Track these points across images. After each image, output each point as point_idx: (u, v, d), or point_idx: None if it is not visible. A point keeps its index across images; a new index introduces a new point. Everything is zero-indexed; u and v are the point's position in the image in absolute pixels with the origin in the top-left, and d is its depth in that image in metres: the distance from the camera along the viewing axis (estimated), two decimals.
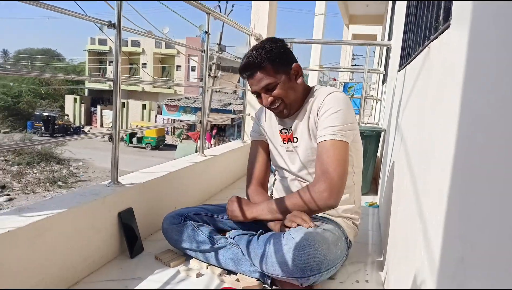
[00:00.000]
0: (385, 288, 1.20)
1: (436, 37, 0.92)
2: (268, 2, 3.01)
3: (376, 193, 2.46)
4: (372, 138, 2.41)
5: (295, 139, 1.36)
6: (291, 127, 1.36)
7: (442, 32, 0.85)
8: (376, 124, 3.98)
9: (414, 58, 1.37)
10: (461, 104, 0.60)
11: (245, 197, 1.44)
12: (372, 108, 5.84)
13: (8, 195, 11.22)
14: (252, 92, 1.33)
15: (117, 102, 1.41)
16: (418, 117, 1.06)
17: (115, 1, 1.35)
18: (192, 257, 1.35)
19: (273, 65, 1.25)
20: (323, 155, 1.20)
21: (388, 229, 1.35)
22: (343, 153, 1.20)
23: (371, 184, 2.52)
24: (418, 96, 1.14)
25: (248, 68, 1.28)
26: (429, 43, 1.01)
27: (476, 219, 0.48)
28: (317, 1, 7.54)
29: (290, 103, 1.30)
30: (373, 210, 2.11)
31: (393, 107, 2.06)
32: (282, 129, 1.39)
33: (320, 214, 1.30)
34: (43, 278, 1.05)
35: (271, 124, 1.44)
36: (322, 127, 1.24)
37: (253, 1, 3.04)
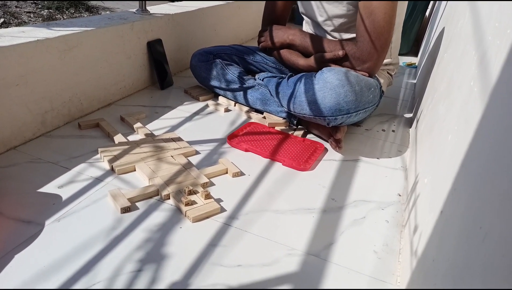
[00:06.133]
0: (411, 136, 1.20)
1: None
2: None
3: (416, 55, 2.31)
4: None
5: None
6: None
7: None
8: None
9: None
10: None
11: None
12: None
13: None
14: None
15: None
16: None
17: None
18: (220, 95, 1.35)
19: None
20: (367, 19, 1.06)
21: (425, 88, 1.28)
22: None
23: (412, 45, 2.34)
24: None
25: None
26: None
27: None
28: None
29: None
30: (410, 70, 2.00)
31: None
32: None
33: None
34: (77, 93, 1.08)
35: None
36: None
37: None
